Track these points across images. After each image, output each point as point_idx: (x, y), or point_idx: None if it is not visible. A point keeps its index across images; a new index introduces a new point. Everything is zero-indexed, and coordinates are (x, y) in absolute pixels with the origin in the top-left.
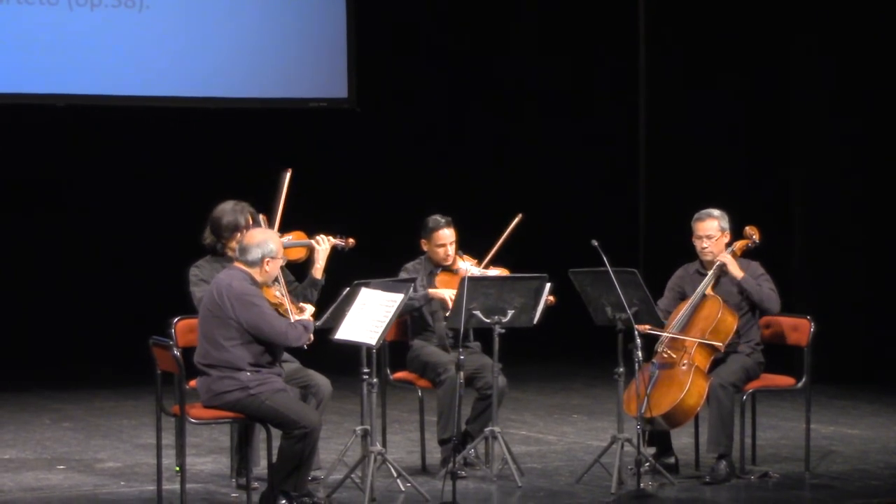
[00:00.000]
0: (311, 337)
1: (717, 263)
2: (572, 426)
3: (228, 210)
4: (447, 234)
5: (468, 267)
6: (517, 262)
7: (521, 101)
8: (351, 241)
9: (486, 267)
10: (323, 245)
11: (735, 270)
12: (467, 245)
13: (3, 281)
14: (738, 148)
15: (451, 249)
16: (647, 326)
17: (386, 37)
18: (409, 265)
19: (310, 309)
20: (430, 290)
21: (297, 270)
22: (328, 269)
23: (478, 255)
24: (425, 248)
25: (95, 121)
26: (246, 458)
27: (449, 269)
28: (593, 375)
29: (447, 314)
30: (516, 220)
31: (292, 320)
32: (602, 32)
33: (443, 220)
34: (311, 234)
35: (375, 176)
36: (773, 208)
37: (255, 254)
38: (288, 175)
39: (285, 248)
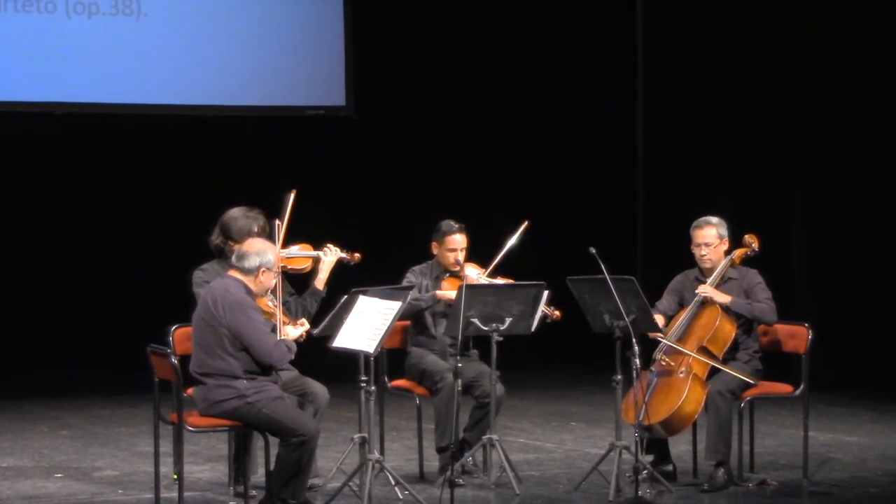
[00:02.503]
0: (292, 356)
1: (699, 298)
2: (570, 434)
3: (241, 215)
4: (459, 240)
5: (476, 274)
6: (515, 271)
7: (518, 108)
8: (357, 255)
9: (492, 275)
10: (329, 256)
11: (720, 298)
12: (468, 252)
13: (0, 288)
14: (736, 154)
15: (461, 255)
16: (661, 333)
17: (383, 44)
18: (417, 268)
19: (304, 325)
20: (438, 292)
21: (300, 282)
22: (328, 281)
23: (478, 261)
24: (435, 251)
25: (93, 129)
26: (244, 466)
27: (456, 275)
28: (591, 383)
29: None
30: (522, 227)
31: (282, 334)
32: (600, 38)
33: (456, 226)
34: (315, 245)
35: (373, 184)
36: (771, 215)
37: (252, 262)
38: (292, 195)
39: (291, 257)
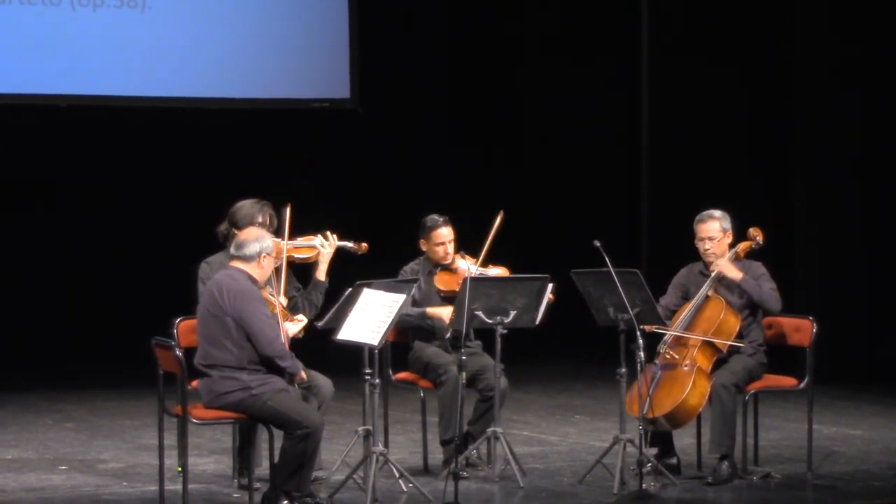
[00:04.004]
0: (303, 376)
1: (714, 273)
2: (574, 427)
3: (248, 204)
4: (445, 233)
5: (467, 266)
6: (520, 263)
7: (522, 102)
8: (364, 245)
9: (485, 265)
10: (326, 248)
11: (732, 273)
12: (472, 245)
13: (4, 281)
14: (739, 148)
15: (450, 248)
16: (657, 326)
17: (388, 37)
18: (407, 267)
19: (302, 321)
20: (428, 310)
21: (308, 273)
22: (332, 272)
23: (480, 255)
24: (424, 247)
25: (97, 121)
26: (248, 458)
27: (448, 268)
28: (595, 376)
29: (448, 322)
30: (498, 218)
31: (282, 325)
32: (604, 33)
33: (440, 220)
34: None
35: (377, 176)
36: (774, 209)
37: (252, 248)
38: (288, 210)
39: (297, 247)
